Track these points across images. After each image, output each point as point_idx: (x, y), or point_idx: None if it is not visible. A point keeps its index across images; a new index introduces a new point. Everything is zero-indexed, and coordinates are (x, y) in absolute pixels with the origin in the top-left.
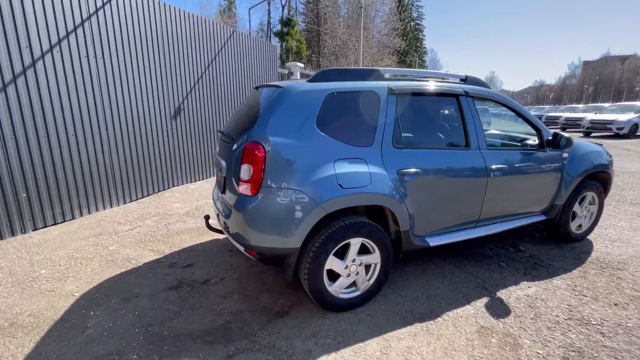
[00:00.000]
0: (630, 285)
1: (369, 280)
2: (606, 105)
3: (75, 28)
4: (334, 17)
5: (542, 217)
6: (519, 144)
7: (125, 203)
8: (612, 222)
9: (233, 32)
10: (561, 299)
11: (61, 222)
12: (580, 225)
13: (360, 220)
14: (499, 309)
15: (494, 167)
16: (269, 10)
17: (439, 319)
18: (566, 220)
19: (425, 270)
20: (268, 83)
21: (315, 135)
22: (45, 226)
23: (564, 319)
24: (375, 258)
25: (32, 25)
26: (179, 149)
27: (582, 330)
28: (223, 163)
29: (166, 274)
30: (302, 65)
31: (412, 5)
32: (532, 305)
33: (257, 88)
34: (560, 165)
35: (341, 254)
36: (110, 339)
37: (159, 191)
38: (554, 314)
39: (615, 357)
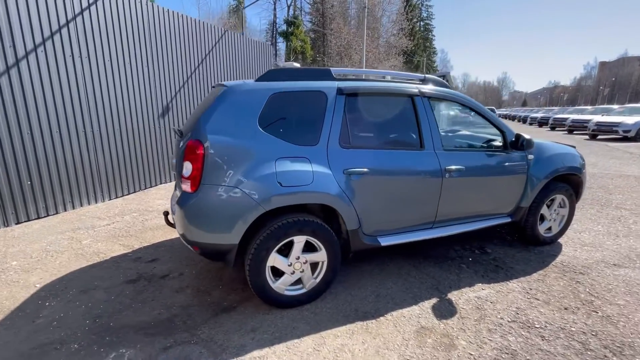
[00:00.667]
0: (587, 290)
1: (315, 278)
2: (615, 107)
3: (60, 28)
4: (340, 17)
5: (508, 219)
6: (485, 145)
7: (110, 199)
8: (590, 226)
9: (225, 32)
10: (511, 301)
11: (44, 217)
12: (549, 228)
13: (303, 219)
14: (445, 310)
15: (449, 168)
16: (274, 10)
17: (381, 318)
18: (533, 223)
19: (382, 270)
20: (222, 82)
21: (256, 134)
22: (29, 220)
23: (508, 321)
24: (321, 256)
25: (16, 25)
26: (166, 147)
27: (523, 333)
28: (174, 161)
29: (129, 267)
30: (298, 65)
31: (422, 5)
32: (479, 307)
33: (214, 87)
34: (525, 167)
35: (286, 252)
36: (57, 328)
37: (145, 188)
38: (499, 316)
39: None
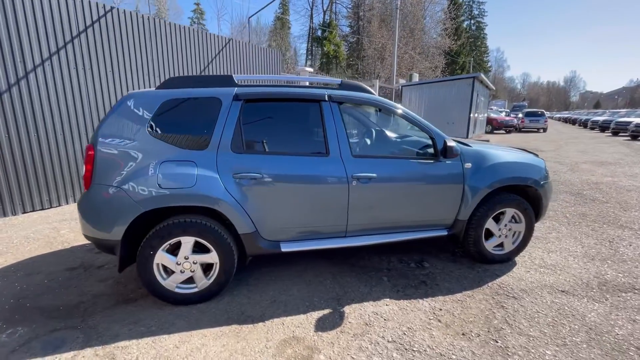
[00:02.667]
0: (505, 317)
1: (208, 279)
2: None
3: (65, 44)
4: (377, 20)
5: (444, 232)
6: (412, 152)
7: None
8: (568, 245)
9: (229, 40)
10: (408, 321)
11: (47, 208)
12: (501, 245)
13: (188, 220)
14: (329, 323)
15: (357, 175)
16: (311, 17)
17: (260, 324)
18: (476, 238)
19: (299, 276)
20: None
21: (144, 138)
22: (33, 210)
23: (387, 341)
24: (213, 258)
25: (25, 41)
26: None
27: (394, 355)
28: None
29: (78, 257)
30: (311, 69)
31: (473, 2)
32: (368, 323)
33: None
34: (460, 176)
35: (178, 251)
36: None
37: None
38: (382, 334)
39: None
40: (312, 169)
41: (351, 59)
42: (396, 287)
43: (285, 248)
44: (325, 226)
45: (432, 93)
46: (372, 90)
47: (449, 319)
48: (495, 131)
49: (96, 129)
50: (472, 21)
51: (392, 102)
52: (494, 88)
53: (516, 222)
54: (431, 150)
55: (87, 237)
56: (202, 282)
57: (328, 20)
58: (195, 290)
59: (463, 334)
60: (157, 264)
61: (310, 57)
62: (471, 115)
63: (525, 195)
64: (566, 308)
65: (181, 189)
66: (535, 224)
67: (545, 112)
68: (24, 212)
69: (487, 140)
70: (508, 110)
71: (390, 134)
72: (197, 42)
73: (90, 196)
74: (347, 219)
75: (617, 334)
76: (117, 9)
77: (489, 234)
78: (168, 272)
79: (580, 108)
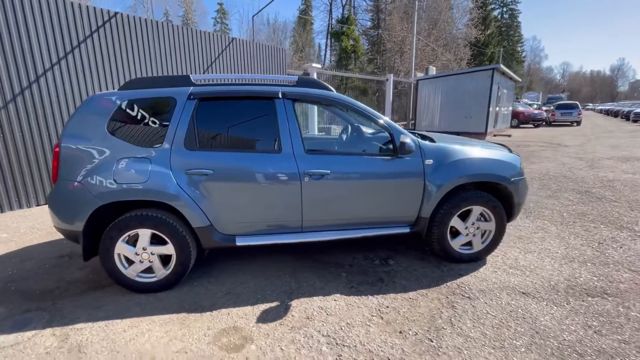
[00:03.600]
0: (451, 317)
1: (166, 269)
2: None
3: (72, 49)
4: (397, 12)
5: (407, 230)
6: (373, 148)
7: None
8: (549, 246)
9: (232, 40)
10: (349, 316)
11: None
12: (469, 244)
13: (144, 213)
14: (272, 315)
15: (309, 172)
16: (330, 12)
17: (207, 313)
18: (440, 236)
19: (261, 270)
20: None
21: (104, 137)
22: (46, 203)
23: (322, 335)
24: (169, 250)
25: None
26: None
27: (323, 349)
28: None
29: (69, 246)
30: (319, 66)
31: None
32: (310, 317)
33: None
34: (420, 173)
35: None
36: None
37: None
38: (318, 328)
39: None
40: (264, 165)
41: (370, 54)
42: (351, 283)
43: (240, 242)
44: (280, 221)
45: (449, 86)
46: (330, 87)
47: (392, 317)
48: (521, 125)
49: (63, 129)
50: (505, 9)
51: (349, 99)
52: (520, 80)
53: (486, 220)
54: (391, 146)
55: (55, 228)
56: (161, 272)
57: (347, 15)
58: (155, 279)
59: (400, 332)
60: (118, 254)
61: (333, 52)
62: (490, 109)
63: (497, 193)
64: (520, 310)
65: (135, 184)
66: (512, 222)
67: (578, 104)
68: (38, 205)
69: (509, 135)
70: (540, 103)
71: (353, 131)
72: (198, 43)
73: (56, 190)
74: (301, 214)
75: (564, 340)
76: (121, 14)
77: (457, 232)
78: (129, 262)
79: (630, 99)
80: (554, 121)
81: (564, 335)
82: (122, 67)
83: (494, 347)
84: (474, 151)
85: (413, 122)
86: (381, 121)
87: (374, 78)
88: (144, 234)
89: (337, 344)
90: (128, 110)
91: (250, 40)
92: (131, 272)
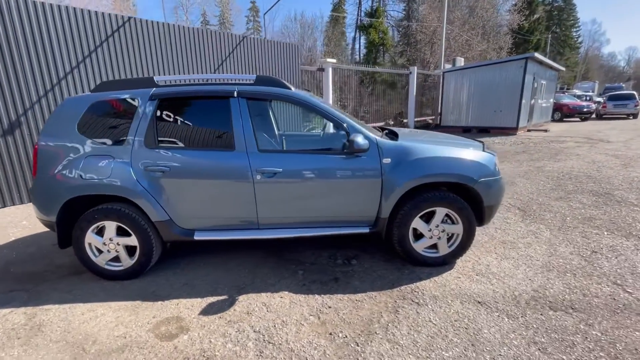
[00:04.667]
0: (389, 322)
1: (131, 259)
2: None
3: (90, 53)
4: (429, 1)
5: (366, 230)
6: (330, 145)
7: None
8: (533, 253)
9: (242, 38)
10: (288, 314)
11: None
12: (435, 247)
13: (109, 207)
14: (216, 308)
15: (261, 170)
16: (359, 3)
17: (159, 302)
18: (400, 238)
19: (224, 264)
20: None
21: (73, 136)
22: None
23: (253, 331)
24: (133, 241)
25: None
26: None
27: (249, 344)
28: None
29: None
30: (334, 60)
31: None
32: (250, 312)
33: None
34: (377, 172)
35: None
36: None
37: None
38: (252, 324)
39: None
40: (218, 163)
41: (401, 46)
42: (305, 281)
43: (198, 236)
44: (236, 218)
45: (477, 78)
46: (289, 85)
47: (330, 318)
48: (565, 119)
49: (42, 128)
50: None
51: (305, 97)
52: (563, 68)
53: (453, 223)
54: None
55: (37, 218)
56: (127, 262)
57: (375, 7)
58: (122, 268)
59: (330, 334)
60: (89, 244)
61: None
62: (523, 101)
63: (467, 194)
64: (465, 320)
65: (98, 179)
66: (502, 226)
67: (636, 95)
68: None
69: (546, 130)
70: (592, 94)
71: (323, 128)
72: (208, 43)
73: (35, 184)
74: (256, 211)
75: (499, 355)
76: (134, 18)
77: (420, 235)
78: (99, 251)
79: None
80: (605, 114)
81: (502, 350)
82: (135, 69)
83: (419, 357)
84: (438, 150)
85: (439, 116)
86: (337, 119)
87: (394, 71)
88: (110, 225)
89: (264, 340)
90: (97, 111)
91: (261, 38)
92: (100, 261)
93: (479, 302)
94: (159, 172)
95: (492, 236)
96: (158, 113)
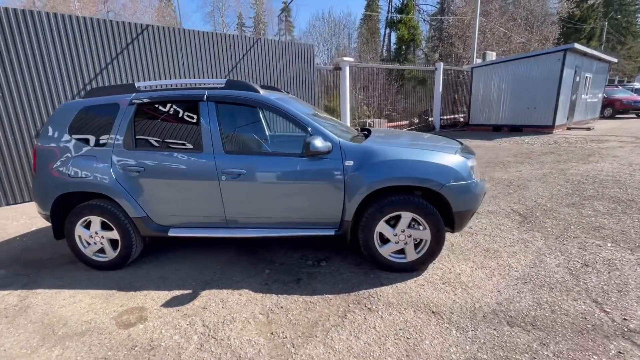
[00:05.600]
0: (333, 326)
1: (115, 252)
2: None
3: (112, 59)
4: None
5: (332, 232)
6: (295, 148)
7: None
8: (514, 263)
9: (256, 41)
10: (239, 311)
11: None
12: (401, 253)
13: (94, 203)
14: (178, 301)
15: (226, 171)
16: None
17: (131, 292)
18: (365, 241)
19: (201, 260)
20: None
21: (65, 138)
22: None
23: (202, 325)
24: (115, 235)
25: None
26: None
27: (194, 337)
28: None
29: None
30: (351, 59)
31: None
32: (206, 307)
33: None
34: (340, 174)
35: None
36: (3, 247)
37: None
38: (203, 319)
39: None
40: (187, 164)
41: (431, 41)
42: (268, 280)
43: (172, 233)
44: (206, 216)
45: (509, 73)
46: (257, 89)
47: (277, 318)
48: (618, 115)
49: (41, 131)
50: None
51: (270, 100)
52: (615, 60)
53: (420, 228)
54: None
55: (37, 212)
56: (111, 254)
57: (405, 2)
58: (107, 259)
59: (272, 334)
60: (78, 236)
61: (397, 42)
62: (561, 97)
63: (435, 197)
64: (411, 330)
65: (82, 178)
66: (491, 232)
67: None
68: None
69: (589, 129)
70: None
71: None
72: (221, 46)
73: (34, 182)
74: (224, 211)
75: None
76: (152, 26)
77: (387, 239)
78: (88, 243)
79: None
80: None
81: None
82: (152, 73)
83: None
84: (404, 152)
85: (467, 114)
86: (301, 122)
87: (416, 68)
88: (95, 220)
89: (208, 335)
90: (85, 116)
91: (275, 40)
92: (88, 252)
93: (433, 312)
94: (135, 172)
95: (477, 243)
96: (136, 117)
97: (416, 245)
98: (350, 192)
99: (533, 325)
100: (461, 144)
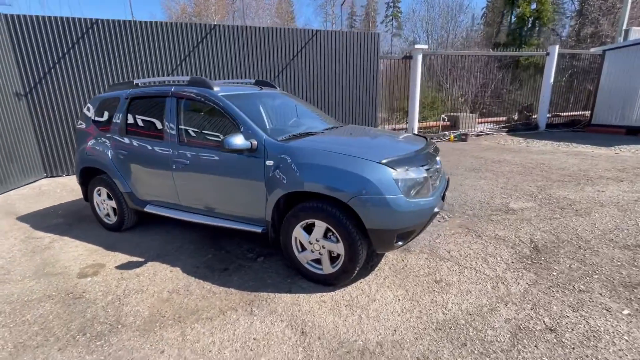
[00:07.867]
0: (203, 316)
1: (115, 217)
2: None
3: (183, 58)
4: None
5: (259, 229)
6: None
7: None
8: (452, 303)
9: (315, 33)
10: (150, 286)
11: None
12: (318, 262)
13: (101, 177)
14: (128, 265)
15: (176, 160)
16: None
17: (109, 251)
18: (285, 244)
19: (182, 235)
20: None
21: (90, 124)
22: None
23: (118, 288)
24: (114, 204)
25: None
26: None
27: (99, 295)
28: None
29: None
30: (425, 47)
31: None
32: (139, 275)
33: None
34: (260, 173)
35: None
36: (18, 222)
37: None
38: (125, 286)
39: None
40: (152, 151)
41: (566, 19)
42: (201, 264)
43: (148, 209)
44: (167, 199)
45: None
46: (211, 85)
47: (175, 298)
48: None
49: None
50: None
51: (218, 98)
52: None
53: (335, 240)
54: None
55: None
56: (113, 219)
57: None
58: (111, 222)
59: (158, 311)
60: (96, 202)
61: (517, 21)
62: None
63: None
64: (262, 344)
65: (92, 156)
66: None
67: None
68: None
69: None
70: None
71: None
72: (279, 40)
73: (77, 153)
74: (177, 196)
75: None
76: (219, 25)
77: (303, 246)
78: (100, 207)
79: None
80: None
81: None
82: (218, 69)
83: (183, 357)
84: (323, 157)
85: (591, 112)
86: (237, 120)
87: (516, 54)
88: (103, 190)
89: (118, 298)
90: (102, 107)
91: (336, 30)
92: (101, 214)
93: (302, 332)
94: (122, 155)
95: (436, 271)
96: (128, 109)
97: (333, 259)
98: (269, 193)
99: (372, 353)
100: (423, 150)
